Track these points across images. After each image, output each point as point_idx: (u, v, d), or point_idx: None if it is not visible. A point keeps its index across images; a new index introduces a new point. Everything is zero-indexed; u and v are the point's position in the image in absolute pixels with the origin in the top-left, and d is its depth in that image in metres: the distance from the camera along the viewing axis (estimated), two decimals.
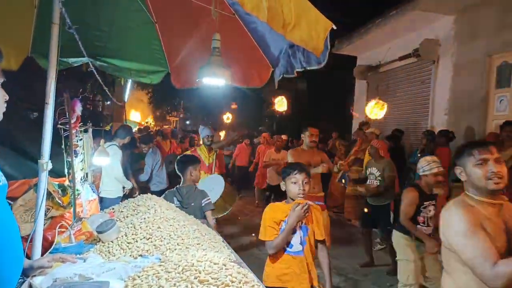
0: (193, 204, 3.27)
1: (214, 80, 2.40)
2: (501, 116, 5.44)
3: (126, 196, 4.94)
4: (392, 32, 7.19)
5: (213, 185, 4.50)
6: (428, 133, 5.94)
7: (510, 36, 5.21)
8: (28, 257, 2.00)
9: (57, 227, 2.23)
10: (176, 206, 2.91)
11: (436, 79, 6.64)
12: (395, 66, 7.67)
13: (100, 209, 3.71)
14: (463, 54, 6.03)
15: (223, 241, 2.51)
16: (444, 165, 5.24)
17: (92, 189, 3.84)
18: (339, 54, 8.81)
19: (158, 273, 1.65)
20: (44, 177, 2.00)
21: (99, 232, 2.14)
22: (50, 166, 2.02)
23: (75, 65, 3.25)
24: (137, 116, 24.79)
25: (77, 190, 3.27)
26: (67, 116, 3.16)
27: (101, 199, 4.60)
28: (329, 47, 1.99)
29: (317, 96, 15.13)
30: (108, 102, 14.73)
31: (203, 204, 3.31)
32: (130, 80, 9.15)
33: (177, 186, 3.44)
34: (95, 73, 3.21)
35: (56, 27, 2.00)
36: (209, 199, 3.41)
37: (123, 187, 5.02)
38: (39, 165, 1.98)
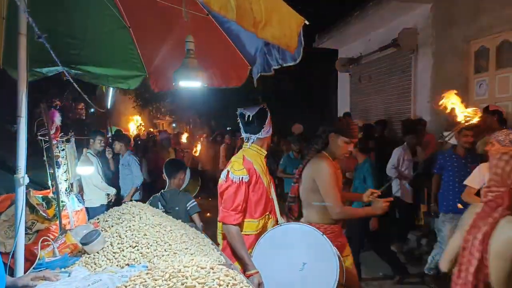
0: (177, 208, 3.23)
1: (190, 83, 2.37)
2: (481, 100, 5.53)
3: (113, 204, 4.90)
4: (371, 23, 7.24)
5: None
6: (406, 122, 6.06)
7: (487, 21, 5.29)
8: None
9: (40, 241, 2.18)
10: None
11: (416, 68, 6.71)
12: (376, 57, 7.74)
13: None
14: (441, 41, 6.10)
15: (212, 244, 2.49)
16: (433, 149, 5.37)
17: (78, 200, 3.78)
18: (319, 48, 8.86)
19: (145, 281, 1.63)
20: (21, 192, 1.95)
21: (83, 244, 2.10)
22: (27, 180, 1.97)
23: (50, 74, 3.17)
24: (123, 122, 24.38)
25: (62, 201, 3.21)
26: (46, 127, 3.09)
27: (86, 210, 4.53)
28: (303, 42, 1.99)
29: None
30: (92, 110, 14.54)
31: (188, 208, 3.28)
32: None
33: (162, 190, 3.40)
34: (72, 81, 3.14)
35: (23, 37, 1.94)
36: (194, 202, 3.37)
37: (108, 194, 4.97)
38: (15, 179, 1.92)
